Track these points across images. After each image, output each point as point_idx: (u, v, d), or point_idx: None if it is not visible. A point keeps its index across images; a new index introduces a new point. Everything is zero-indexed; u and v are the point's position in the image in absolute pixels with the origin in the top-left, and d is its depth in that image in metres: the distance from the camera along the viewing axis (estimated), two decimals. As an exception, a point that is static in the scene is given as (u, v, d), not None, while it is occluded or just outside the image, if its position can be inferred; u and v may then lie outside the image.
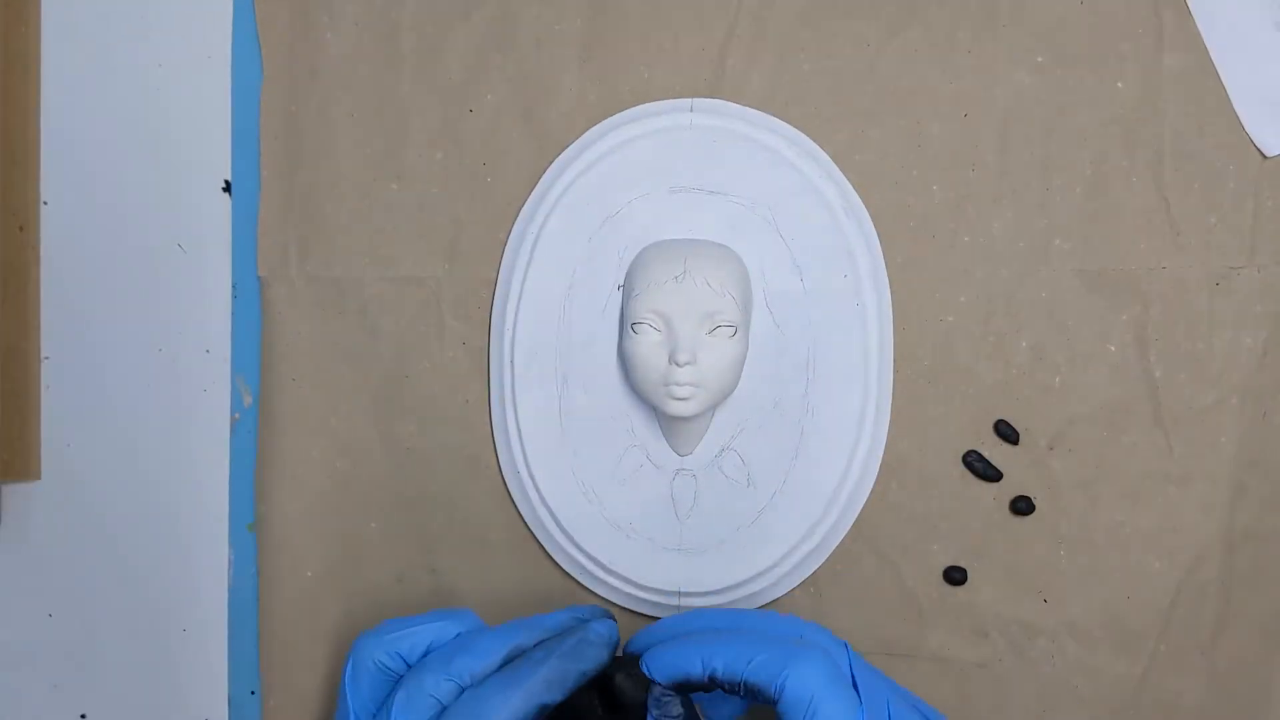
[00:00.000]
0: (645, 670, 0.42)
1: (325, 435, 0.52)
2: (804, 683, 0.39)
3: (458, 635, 0.43)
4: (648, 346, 0.48)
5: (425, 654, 0.42)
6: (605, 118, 0.51)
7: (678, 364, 0.47)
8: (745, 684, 0.40)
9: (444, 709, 0.40)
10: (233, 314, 0.53)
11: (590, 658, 0.41)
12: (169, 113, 0.53)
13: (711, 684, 0.41)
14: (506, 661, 0.41)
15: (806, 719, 0.39)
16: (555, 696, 0.40)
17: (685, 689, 0.42)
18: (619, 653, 0.44)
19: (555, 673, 0.40)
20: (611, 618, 0.44)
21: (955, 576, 0.50)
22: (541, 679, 0.40)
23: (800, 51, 0.51)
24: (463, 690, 0.40)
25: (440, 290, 0.52)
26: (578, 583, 0.51)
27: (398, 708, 0.40)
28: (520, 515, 0.52)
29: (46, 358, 0.53)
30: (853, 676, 0.41)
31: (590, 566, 0.51)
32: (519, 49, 0.51)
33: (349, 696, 0.42)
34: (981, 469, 0.50)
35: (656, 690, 0.42)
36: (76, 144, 0.53)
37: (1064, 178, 0.50)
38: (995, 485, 0.50)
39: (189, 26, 0.53)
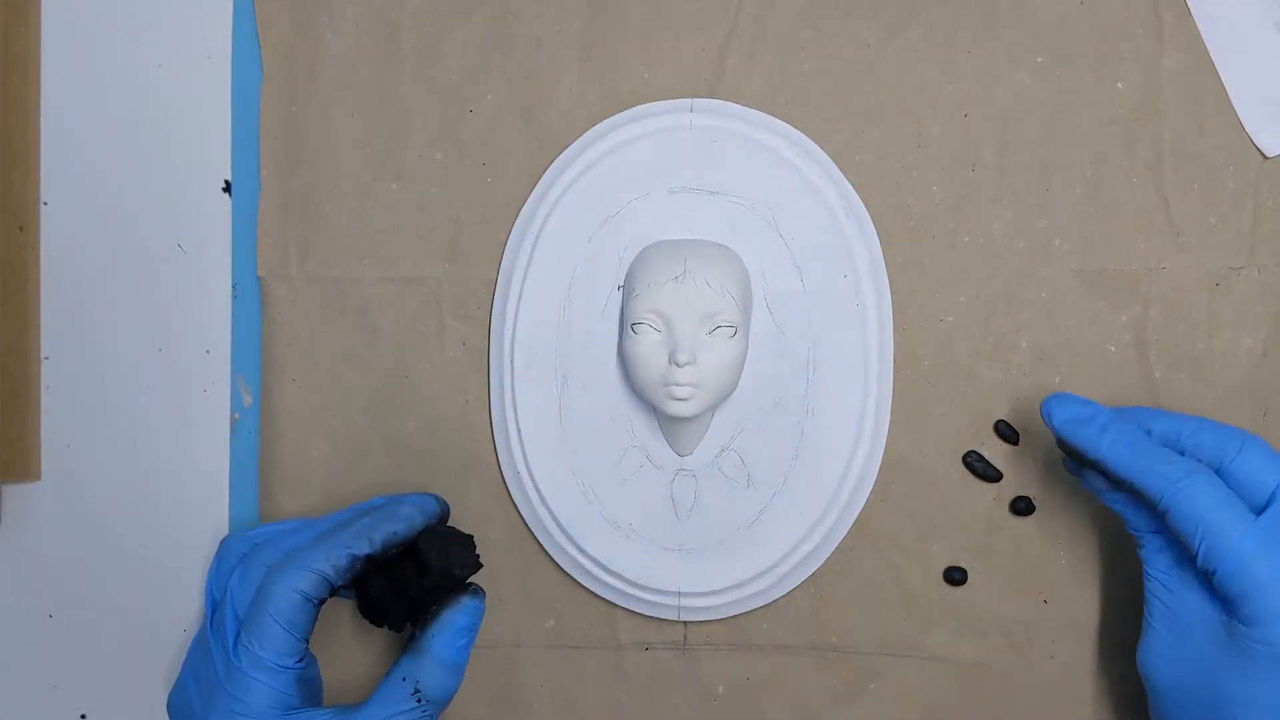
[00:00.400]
0: (1046, 410, 0.45)
1: (325, 435, 0.52)
2: (1193, 506, 0.41)
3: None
4: (648, 347, 0.48)
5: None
6: (605, 118, 0.51)
7: (678, 364, 0.47)
8: (1132, 486, 0.43)
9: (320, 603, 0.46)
10: (233, 314, 0.53)
11: (401, 517, 0.46)
12: (169, 113, 0.53)
13: (1100, 470, 0.44)
14: None
15: (1197, 539, 0.41)
16: (363, 548, 0.45)
17: (1079, 457, 0.45)
18: None
19: (364, 528, 0.45)
20: (439, 500, 0.49)
21: (955, 577, 0.50)
22: (351, 532, 0.45)
23: (800, 52, 0.51)
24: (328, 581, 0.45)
25: (440, 290, 0.52)
26: (577, 583, 0.51)
27: (237, 577, 0.46)
28: (520, 515, 0.52)
29: (46, 358, 0.53)
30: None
31: (590, 567, 0.51)
32: (519, 49, 0.51)
33: (211, 579, 0.48)
34: (982, 469, 0.50)
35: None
36: (76, 144, 0.53)
37: (1064, 178, 0.50)
38: (995, 485, 0.50)
39: (189, 27, 0.53)
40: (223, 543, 0.49)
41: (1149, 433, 0.44)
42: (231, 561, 0.47)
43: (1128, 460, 0.43)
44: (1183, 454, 0.43)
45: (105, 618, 0.53)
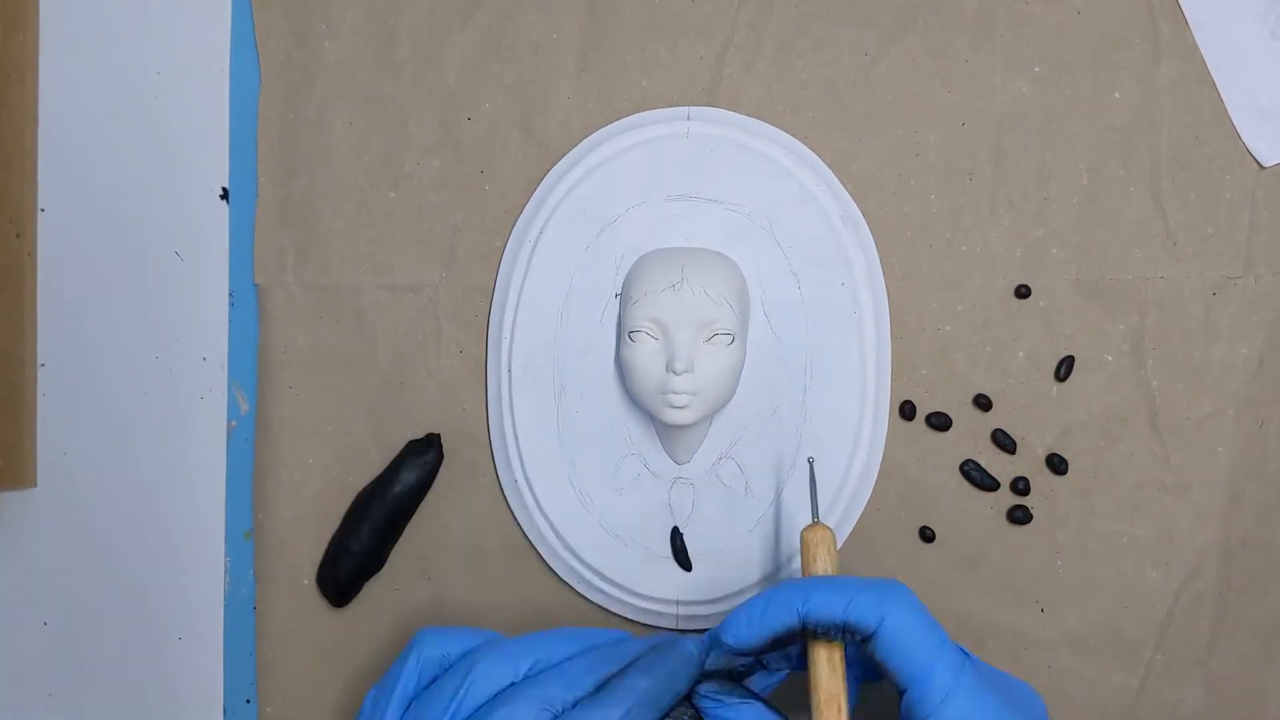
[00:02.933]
0: (729, 638, 0.42)
1: (322, 443, 0.52)
2: (902, 619, 0.41)
3: (559, 664, 0.43)
4: (645, 355, 0.48)
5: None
6: (603, 126, 0.51)
7: (675, 372, 0.47)
8: (844, 624, 0.41)
9: None
10: (230, 321, 0.53)
11: (684, 677, 0.42)
12: (167, 119, 0.53)
13: (802, 633, 0.42)
14: (597, 689, 0.42)
15: (903, 657, 0.40)
16: (652, 716, 0.41)
17: (771, 646, 0.42)
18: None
19: (652, 694, 0.41)
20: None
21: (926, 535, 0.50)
22: (639, 700, 0.41)
23: (797, 60, 0.51)
24: (557, 718, 0.41)
25: (438, 298, 0.52)
26: (576, 592, 0.51)
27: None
28: (518, 524, 0.51)
29: (43, 365, 0.53)
30: None
31: (588, 575, 0.51)
32: (517, 57, 0.51)
33: (401, 679, 0.43)
34: (979, 478, 0.50)
35: (705, 687, 0.43)
36: (74, 150, 0.53)
37: (1061, 187, 0.50)
38: (993, 495, 0.50)
39: (187, 33, 0.53)
40: (425, 638, 0.44)
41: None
42: (433, 663, 0.43)
43: (829, 602, 0.41)
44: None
45: (100, 626, 0.53)
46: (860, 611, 0.41)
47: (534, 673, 0.42)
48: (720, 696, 0.43)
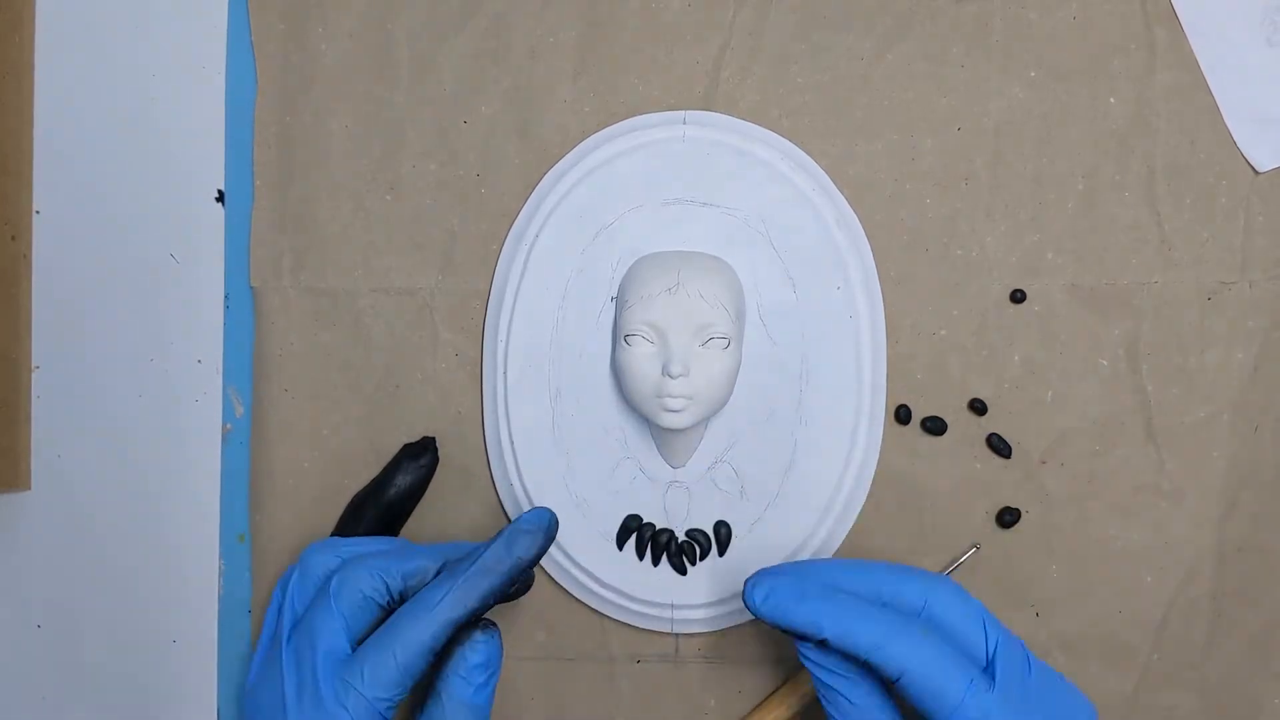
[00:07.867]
0: (753, 600, 0.43)
1: (317, 446, 0.52)
2: (925, 665, 0.41)
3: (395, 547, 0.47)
4: (641, 358, 0.48)
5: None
6: (599, 130, 0.51)
7: (671, 376, 0.47)
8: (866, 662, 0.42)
9: (379, 606, 0.45)
10: (225, 324, 0.53)
11: (524, 545, 0.44)
12: (163, 122, 0.53)
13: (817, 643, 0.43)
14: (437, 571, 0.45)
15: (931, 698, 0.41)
16: (495, 581, 0.44)
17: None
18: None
19: (491, 560, 0.44)
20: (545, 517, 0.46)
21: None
22: (479, 567, 0.44)
23: (794, 65, 0.51)
24: (389, 588, 0.45)
25: (433, 301, 0.52)
26: (569, 594, 0.51)
27: (335, 589, 0.45)
28: (513, 527, 0.51)
29: (37, 367, 0.53)
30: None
31: (583, 579, 0.51)
32: (513, 61, 0.51)
33: (293, 593, 0.46)
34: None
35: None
36: (69, 153, 0.53)
37: (1056, 192, 0.50)
38: (988, 499, 0.50)
39: (183, 36, 0.53)
40: (305, 556, 0.47)
41: (841, 589, 0.43)
42: (317, 579, 0.46)
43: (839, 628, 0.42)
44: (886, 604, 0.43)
45: (94, 629, 0.53)
46: (884, 657, 0.41)
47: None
48: (832, 665, 0.43)
